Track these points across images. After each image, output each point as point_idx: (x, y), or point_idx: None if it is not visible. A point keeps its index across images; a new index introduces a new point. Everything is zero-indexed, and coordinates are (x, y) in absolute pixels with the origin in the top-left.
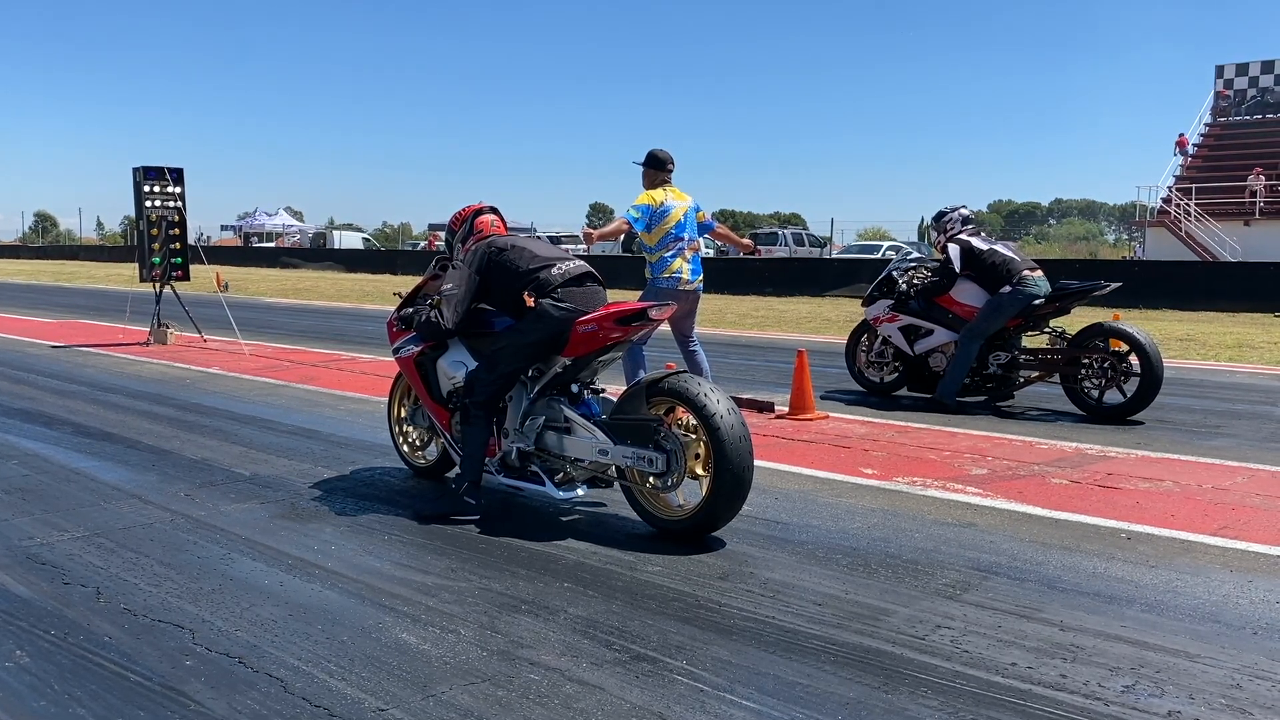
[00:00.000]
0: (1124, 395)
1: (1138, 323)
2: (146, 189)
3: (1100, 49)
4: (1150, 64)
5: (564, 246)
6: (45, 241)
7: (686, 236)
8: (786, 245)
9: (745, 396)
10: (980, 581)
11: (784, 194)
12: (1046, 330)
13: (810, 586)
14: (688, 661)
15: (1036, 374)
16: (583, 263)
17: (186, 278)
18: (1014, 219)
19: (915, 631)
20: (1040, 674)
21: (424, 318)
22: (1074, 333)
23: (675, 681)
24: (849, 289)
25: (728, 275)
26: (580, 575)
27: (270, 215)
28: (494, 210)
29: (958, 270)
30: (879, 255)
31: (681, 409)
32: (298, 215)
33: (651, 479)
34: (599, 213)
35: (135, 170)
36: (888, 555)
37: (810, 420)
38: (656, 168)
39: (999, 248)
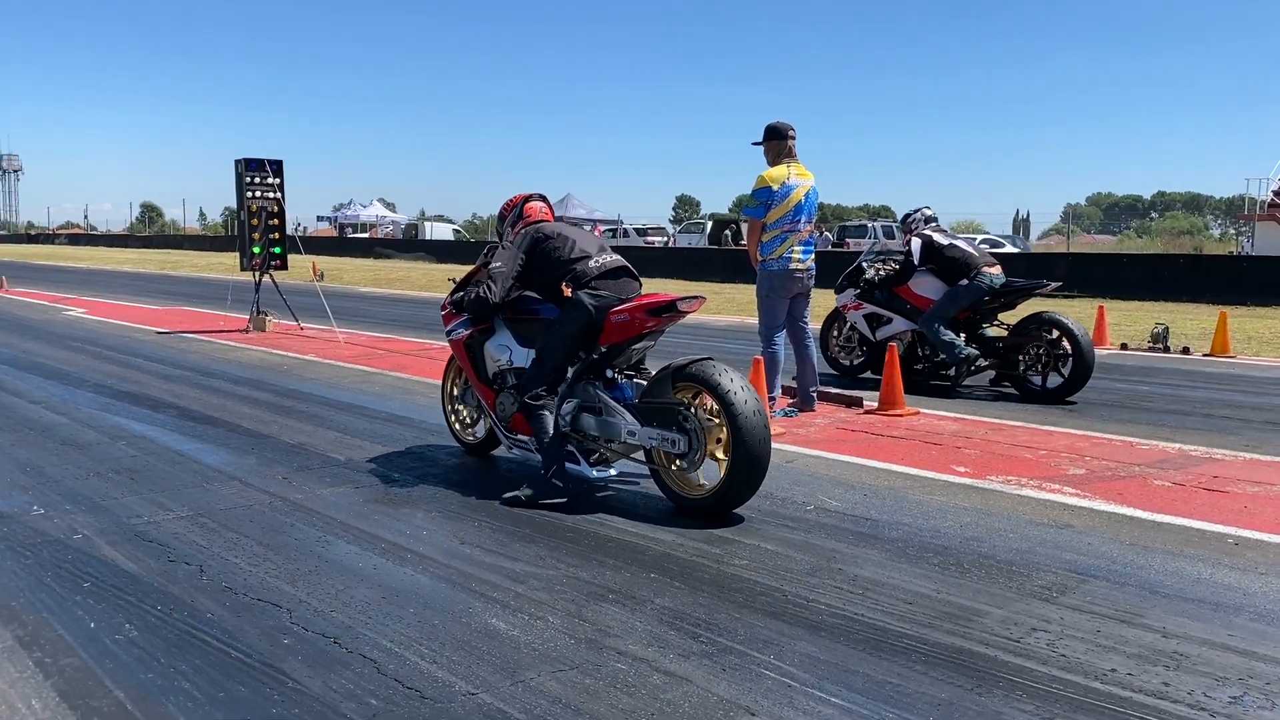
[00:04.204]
0: (1062, 377)
1: (1245, 320)
2: (248, 180)
3: (1207, 35)
4: (1259, 51)
5: (649, 239)
6: (151, 231)
7: (803, 219)
8: (876, 237)
9: (833, 391)
10: (1078, 584)
11: (874, 186)
12: (998, 324)
13: (900, 585)
14: (775, 656)
15: (986, 362)
16: (619, 257)
17: (284, 267)
18: (1113, 212)
19: (1010, 634)
20: (1141, 681)
21: (474, 294)
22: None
23: (763, 676)
24: None
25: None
26: (667, 566)
27: (364, 207)
28: (542, 198)
29: (916, 263)
30: None
31: (706, 394)
32: (391, 207)
33: (676, 460)
34: (684, 204)
35: (237, 162)
36: (981, 555)
37: (900, 416)
38: (778, 139)
39: (959, 243)
